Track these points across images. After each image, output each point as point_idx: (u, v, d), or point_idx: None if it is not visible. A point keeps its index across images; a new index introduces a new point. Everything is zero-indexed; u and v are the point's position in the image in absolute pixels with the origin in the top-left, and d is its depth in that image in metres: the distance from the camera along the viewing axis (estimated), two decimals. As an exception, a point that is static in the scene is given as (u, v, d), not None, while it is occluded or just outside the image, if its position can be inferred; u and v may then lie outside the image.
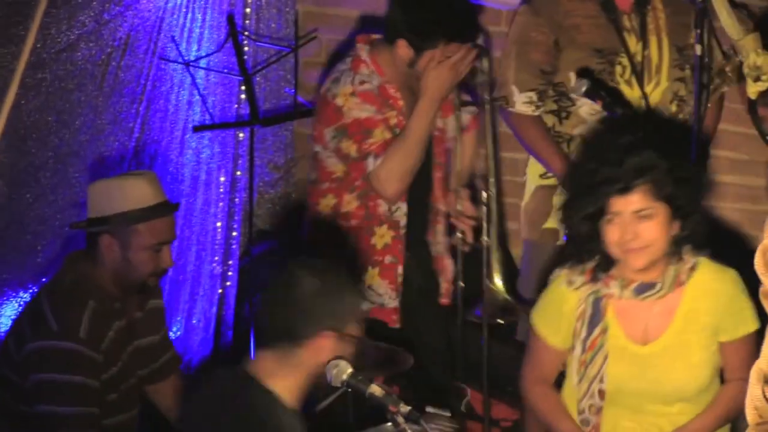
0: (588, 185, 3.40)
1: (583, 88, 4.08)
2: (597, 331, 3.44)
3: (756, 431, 1.80)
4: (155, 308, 4.17)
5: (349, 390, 3.12)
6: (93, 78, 4.80)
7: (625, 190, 3.33)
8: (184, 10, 5.03)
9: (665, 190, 3.29)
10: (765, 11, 4.72)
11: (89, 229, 3.98)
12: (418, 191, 4.51)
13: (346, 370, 3.08)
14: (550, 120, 4.51)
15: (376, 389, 3.03)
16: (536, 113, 4.49)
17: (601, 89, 4.18)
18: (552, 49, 4.43)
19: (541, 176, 4.59)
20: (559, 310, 3.51)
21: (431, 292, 4.65)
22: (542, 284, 4.06)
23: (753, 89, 2.40)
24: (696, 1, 4.02)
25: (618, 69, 4.42)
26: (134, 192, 3.97)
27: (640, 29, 4.44)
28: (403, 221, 4.48)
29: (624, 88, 4.42)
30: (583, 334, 3.46)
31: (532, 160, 4.64)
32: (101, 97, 4.84)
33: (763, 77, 2.34)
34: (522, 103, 4.44)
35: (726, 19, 2.11)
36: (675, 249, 3.35)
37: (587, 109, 4.37)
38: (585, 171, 3.47)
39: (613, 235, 3.36)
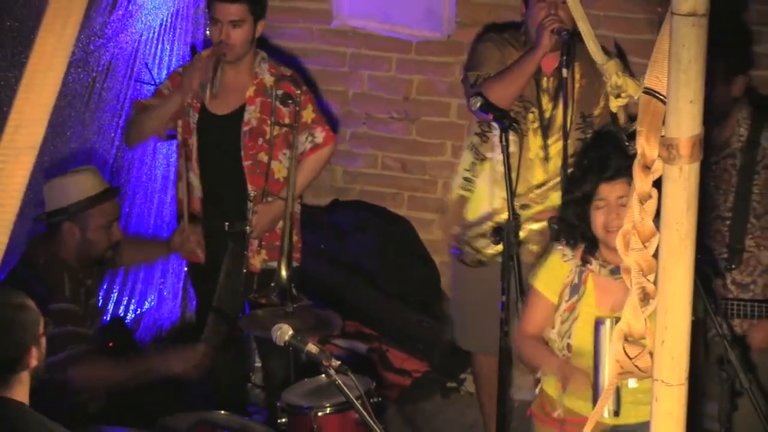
0: (582, 175, 3.74)
1: (478, 104, 4.35)
2: (575, 297, 3.73)
3: (618, 379, 2.01)
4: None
5: (291, 348, 3.31)
6: (81, 97, 5.09)
7: (611, 178, 3.63)
8: (156, 42, 5.41)
9: None
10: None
11: (51, 219, 4.32)
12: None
13: (288, 332, 3.26)
14: (476, 139, 4.81)
15: (312, 347, 3.20)
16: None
17: (491, 106, 4.41)
18: None
19: (462, 186, 4.90)
20: (555, 272, 3.80)
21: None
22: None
23: (615, 104, 2.44)
24: (561, 34, 4.50)
25: (530, 116, 4.72)
26: (84, 184, 4.37)
27: (554, 92, 4.69)
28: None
29: (530, 135, 4.72)
30: (566, 297, 3.74)
31: (462, 165, 4.90)
32: (88, 113, 5.15)
33: (623, 94, 2.42)
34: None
35: (592, 47, 2.28)
36: None
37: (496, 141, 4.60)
38: (580, 165, 3.81)
39: (599, 218, 3.65)
